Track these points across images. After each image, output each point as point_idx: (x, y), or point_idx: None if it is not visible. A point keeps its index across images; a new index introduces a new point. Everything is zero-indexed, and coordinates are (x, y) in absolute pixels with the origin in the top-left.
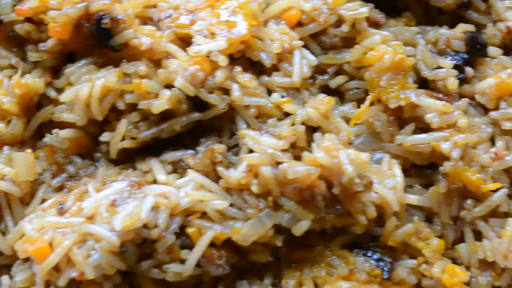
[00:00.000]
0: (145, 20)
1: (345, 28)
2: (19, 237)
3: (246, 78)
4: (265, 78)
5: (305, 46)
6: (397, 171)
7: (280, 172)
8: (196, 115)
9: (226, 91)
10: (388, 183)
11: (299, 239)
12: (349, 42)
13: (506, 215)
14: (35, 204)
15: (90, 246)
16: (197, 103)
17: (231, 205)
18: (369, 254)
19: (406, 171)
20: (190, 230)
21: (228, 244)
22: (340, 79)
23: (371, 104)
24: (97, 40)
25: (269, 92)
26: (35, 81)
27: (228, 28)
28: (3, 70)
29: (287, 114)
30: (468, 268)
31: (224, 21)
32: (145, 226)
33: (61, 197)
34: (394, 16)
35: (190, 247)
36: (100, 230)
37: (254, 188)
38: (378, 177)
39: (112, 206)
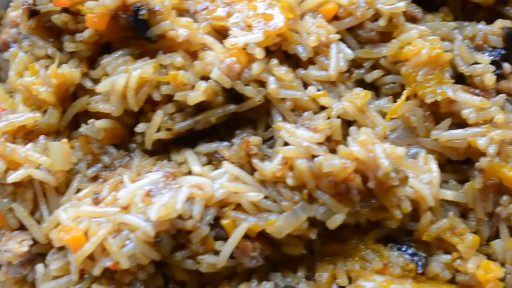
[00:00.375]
0: (182, 12)
1: (382, 22)
2: (54, 226)
3: (283, 71)
4: (301, 71)
5: (342, 40)
6: (433, 166)
7: (315, 165)
8: (231, 107)
9: (262, 84)
10: (424, 178)
11: (333, 232)
12: (385, 36)
13: None
14: (70, 194)
15: (125, 236)
16: (233, 95)
17: (265, 197)
18: (403, 249)
19: (441, 167)
20: (224, 222)
21: (262, 236)
22: (376, 74)
23: (407, 98)
24: (134, 31)
25: (305, 85)
26: (71, 71)
27: (265, 20)
28: (40, 60)
29: (322, 108)
30: (503, 265)
31: (261, 14)
32: (180, 217)
33: (96, 187)
34: (431, 11)
35: (224, 238)
36: (135, 220)
37: (289, 181)
38: (414, 171)
39: (147, 197)
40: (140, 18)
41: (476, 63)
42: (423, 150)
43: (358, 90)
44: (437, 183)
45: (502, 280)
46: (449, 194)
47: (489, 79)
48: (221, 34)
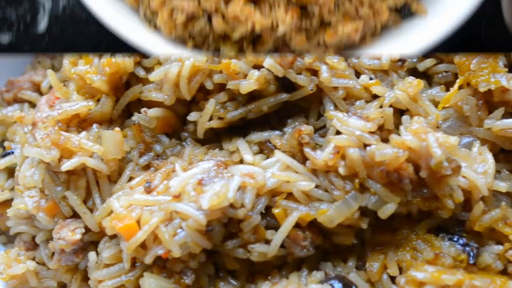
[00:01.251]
0: None
1: None
2: (107, 214)
3: (335, 59)
4: (353, 60)
5: None
6: (489, 156)
7: (367, 154)
8: (284, 96)
9: (314, 72)
10: (478, 168)
11: (384, 222)
12: None
13: None
14: (122, 182)
15: (176, 224)
16: (285, 84)
17: (317, 186)
18: (455, 239)
19: (494, 156)
20: (276, 211)
21: (313, 226)
22: (429, 62)
23: (460, 87)
24: None
25: (357, 74)
26: (124, 60)
27: None
28: None
29: (375, 97)
30: None
31: None
32: (231, 205)
33: (148, 175)
34: None
35: (275, 227)
36: (187, 208)
37: (341, 170)
38: (467, 161)
39: (199, 185)
40: None
41: None
42: (478, 141)
43: (411, 79)
44: (492, 174)
45: None
46: (503, 186)
47: None
48: None
